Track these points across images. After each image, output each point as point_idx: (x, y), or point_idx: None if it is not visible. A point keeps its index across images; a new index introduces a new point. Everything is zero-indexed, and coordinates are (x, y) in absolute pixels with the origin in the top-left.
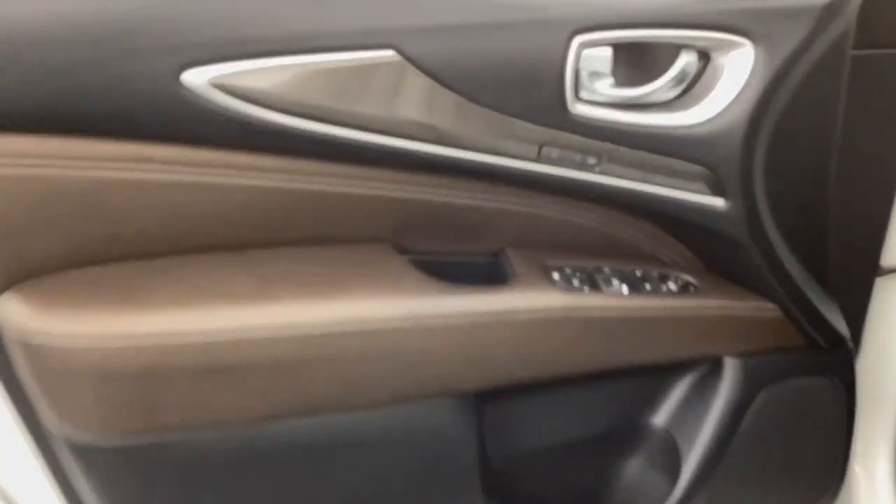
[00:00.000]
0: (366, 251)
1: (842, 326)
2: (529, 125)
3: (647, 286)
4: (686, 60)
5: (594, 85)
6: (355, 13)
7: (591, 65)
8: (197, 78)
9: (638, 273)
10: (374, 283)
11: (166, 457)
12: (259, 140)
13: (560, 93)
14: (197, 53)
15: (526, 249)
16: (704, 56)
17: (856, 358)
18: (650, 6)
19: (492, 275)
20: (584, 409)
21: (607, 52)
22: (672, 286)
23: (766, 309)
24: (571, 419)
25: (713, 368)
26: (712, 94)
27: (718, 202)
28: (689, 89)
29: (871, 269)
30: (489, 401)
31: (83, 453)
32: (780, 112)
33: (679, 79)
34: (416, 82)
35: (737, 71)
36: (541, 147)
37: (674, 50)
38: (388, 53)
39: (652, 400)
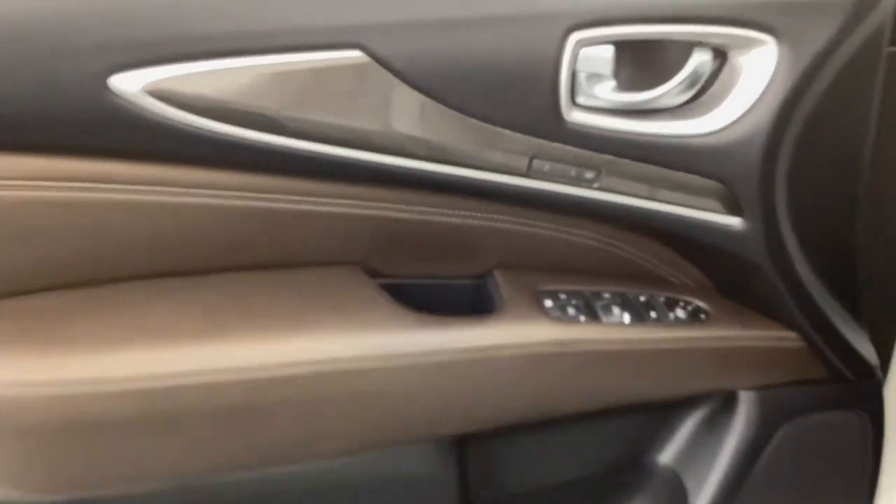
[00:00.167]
0: (332, 276)
1: (871, 355)
2: (518, 135)
3: (653, 314)
4: (699, 60)
5: (593, 89)
6: (315, 7)
7: (589, 66)
8: (128, 83)
9: (642, 298)
10: (339, 315)
11: None
12: (204, 154)
13: (554, 98)
14: (127, 55)
15: (516, 271)
16: (720, 55)
17: (884, 386)
18: None
19: (477, 301)
20: (581, 448)
21: (608, 51)
22: (680, 313)
23: (786, 339)
24: (567, 458)
25: (726, 402)
26: (729, 99)
27: (734, 221)
28: (703, 93)
29: None
30: (475, 439)
31: None
32: (806, 119)
33: (691, 81)
34: (387, 87)
35: (757, 72)
36: (531, 160)
37: (685, 48)
38: (355, 54)
39: (656, 436)
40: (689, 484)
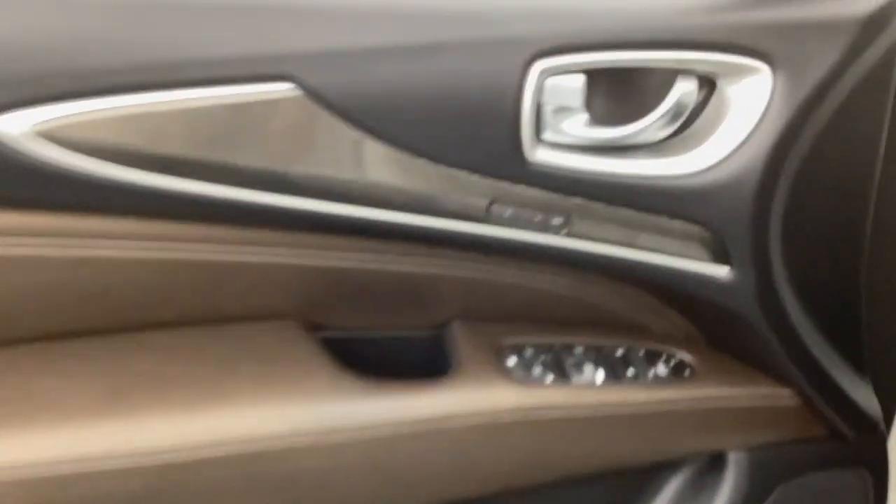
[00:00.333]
0: (265, 333)
1: (874, 408)
2: (475, 177)
3: (630, 371)
4: (683, 90)
5: (561, 124)
6: (237, 33)
7: (556, 98)
8: (13, 125)
9: (619, 352)
10: (270, 382)
11: None
12: (106, 203)
13: (515, 135)
14: (11, 92)
15: (477, 322)
16: (707, 84)
17: (888, 439)
18: (636, 20)
19: (433, 356)
20: None
21: (578, 80)
22: (661, 370)
23: (781, 396)
24: None
25: (713, 463)
26: (717, 134)
27: (721, 271)
28: (687, 128)
29: None
30: None
31: None
32: (804, 156)
33: (674, 114)
34: (322, 124)
35: (750, 103)
36: (490, 204)
37: (668, 77)
38: (284, 87)
39: (635, 501)
40: None
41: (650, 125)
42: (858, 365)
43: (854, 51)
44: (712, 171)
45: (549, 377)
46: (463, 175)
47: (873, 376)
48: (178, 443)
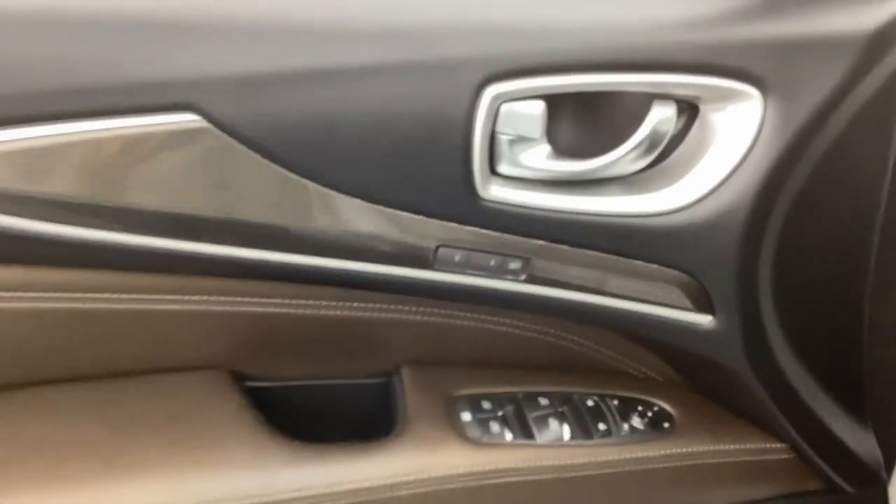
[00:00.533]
0: (183, 385)
1: (875, 459)
2: (418, 218)
3: (601, 425)
4: (660, 117)
5: (519, 156)
6: (133, 58)
7: (513, 126)
8: None
9: (590, 402)
10: (181, 448)
11: None
12: None
13: (465, 169)
14: None
15: (429, 369)
16: (688, 110)
17: (889, 486)
18: (604, 38)
19: (379, 406)
20: None
21: (538, 107)
22: (637, 422)
23: (772, 451)
24: None
25: None
26: (698, 168)
27: (703, 320)
28: (664, 159)
29: None
30: None
31: None
32: (799, 192)
33: (649, 144)
34: (234, 159)
35: (736, 132)
36: (437, 248)
37: (642, 102)
38: (187, 117)
39: None
40: None
41: (622, 157)
42: (859, 413)
43: (857, 72)
44: (693, 210)
45: (509, 435)
46: (404, 216)
47: (875, 422)
48: None
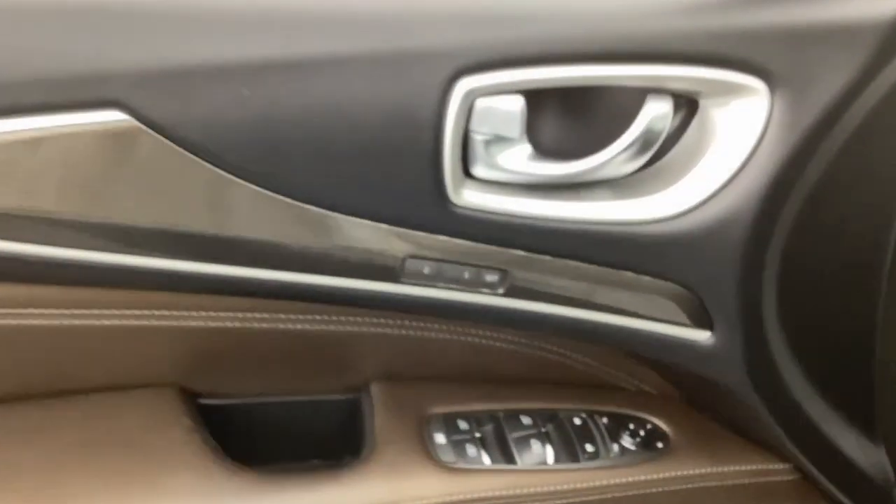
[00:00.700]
0: (129, 405)
1: (888, 477)
2: (383, 226)
3: (589, 447)
4: (655, 113)
5: (496, 157)
6: (53, 49)
7: (489, 124)
8: None
9: (577, 420)
10: (122, 477)
11: None
12: None
13: (434, 173)
14: None
15: (401, 385)
16: (686, 105)
17: None
18: (591, 25)
19: (341, 433)
20: None
21: (517, 103)
22: (628, 442)
23: (775, 471)
24: None
25: None
26: (697, 170)
27: (701, 336)
28: (658, 160)
29: None
30: None
31: None
32: (809, 196)
33: (642, 144)
34: (170, 164)
35: (740, 131)
36: (404, 260)
37: (635, 96)
38: (114, 116)
39: None
40: None
41: (612, 158)
42: (869, 428)
43: (876, 63)
44: (691, 216)
45: (487, 459)
46: (367, 224)
47: (886, 438)
48: None
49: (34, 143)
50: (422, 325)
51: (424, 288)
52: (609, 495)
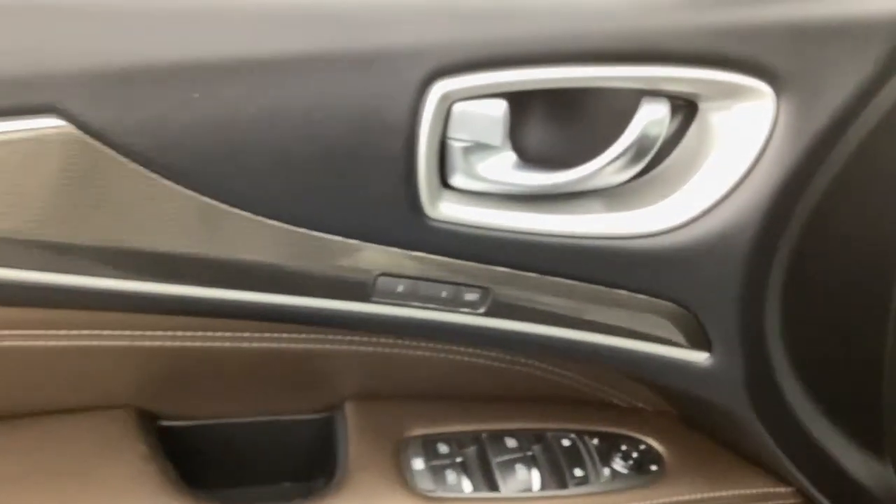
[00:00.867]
0: (85, 428)
1: (894, 496)
2: (353, 242)
3: (578, 471)
4: (650, 118)
5: (477, 167)
6: None
7: (469, 131)
8: None
9: (566, 441)
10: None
11: None
12: None
13: (408, 183)
14: None
15: (377, 404)
16: (685, 109)
17: None
18: (580, 22)
19: (312, 455)
20: None
21: (498, 107)
22: (620, 465)
23: (777, 495)
24: None
25: None
26: (696, 179)
27: (698, 357)
28: (654, 169)
29: None
30: None
31: None
32: (816, 207)
33: (636, 151)
34: (113, 174)
35: (743, 137)
36: (376, 278)
37: (628, 99)
38: (50, 122)
39: None
40: None
41: (603, 167)
42: (876, 447)
43: (891, 63)
44: (688, 230)
45: (468, 485)
46: (335, 240)
47: (893, 455)
48: None
49: None
50: (398, 341)
51: (398, 307)
52: None
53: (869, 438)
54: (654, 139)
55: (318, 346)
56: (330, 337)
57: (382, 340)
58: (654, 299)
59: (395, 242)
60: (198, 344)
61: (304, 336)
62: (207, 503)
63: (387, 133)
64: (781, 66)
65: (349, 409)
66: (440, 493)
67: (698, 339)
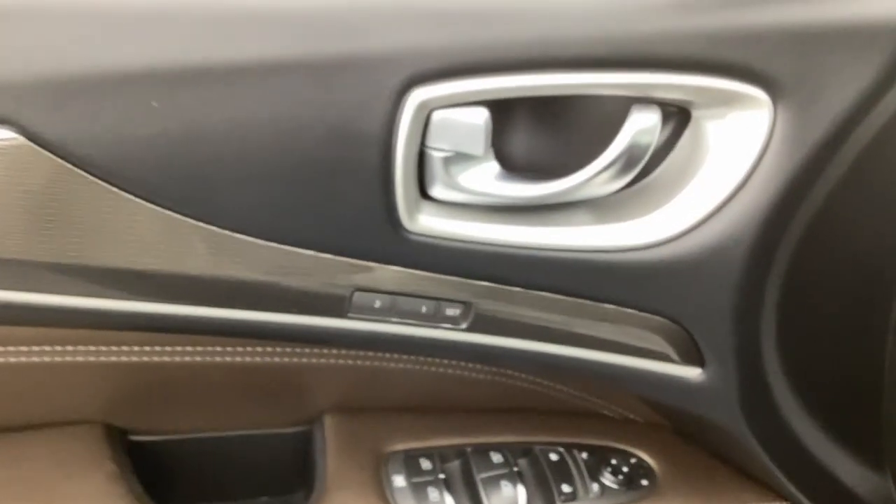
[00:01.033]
0: (52, 444)
1: None
2: (326, 257)
3: (566, 487)
4: (641, 126)
5: (458, 177)
6: None
7: (449, 139)
8: None
9: (553, 455)
10: None
11: None
12: None
13: (385, 194)
14: None
15: (357, 417)
16: (677, 117)
17: None
18: (566, 26)
19: (292, 467)
20: None
21: (481, 115)
22: (609, 480)
23: None
24: None
25: None
26: (688, 190)
27: (691, 373)
28: (644, 179)
29: None
30: None
31: None
32: (814, 220)
33: (626, 161)
34: (70, 189)
35: (738, 146)
36: (352, 294)
37: (618, 107)
38: (3, 135)
39: None
40: None
41: (592, 177)
42: (874, 459)
43: (893, 71)
44: (680, 242)
45: (449, 502)
46: (308, 255)
47: (892, 467)
48: None
49: None
50: (378, 354)
51: (377, 323)
52: None
53: (867, 451)
54: (645, 148)
55: (294, 361)
56: (307, 350)
57: (361, 354)
58: (644, 314)
59: (371, 257)
60: (167, 359)
61: (279, 350)
62: None
63: (361, 143)
64: (779, 73)
65: (328, 422)
66: None
67: (690, 355)
